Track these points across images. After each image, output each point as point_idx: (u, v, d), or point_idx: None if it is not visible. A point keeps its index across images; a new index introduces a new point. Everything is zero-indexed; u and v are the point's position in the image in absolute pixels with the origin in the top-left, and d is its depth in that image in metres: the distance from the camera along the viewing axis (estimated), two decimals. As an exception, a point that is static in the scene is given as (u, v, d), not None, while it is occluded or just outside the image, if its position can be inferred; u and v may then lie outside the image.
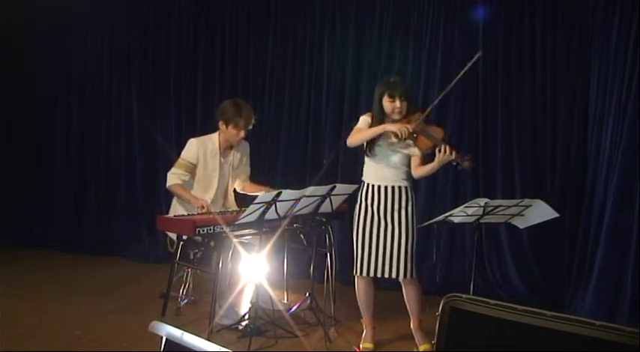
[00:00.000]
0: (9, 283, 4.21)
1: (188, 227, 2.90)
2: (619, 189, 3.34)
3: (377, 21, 4.52)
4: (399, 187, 3.03)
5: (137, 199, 5.30)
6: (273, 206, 2.84)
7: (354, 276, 3.10)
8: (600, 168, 3.61)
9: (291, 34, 4.81)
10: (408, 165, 3.06)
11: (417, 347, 3.07)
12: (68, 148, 5.58)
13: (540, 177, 4.13)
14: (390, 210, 3.00)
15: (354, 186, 3.14)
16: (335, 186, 3.06)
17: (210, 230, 2.89)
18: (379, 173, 3.04)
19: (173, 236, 3.34)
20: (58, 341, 3.11)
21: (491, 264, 4.25)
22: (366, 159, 3.08)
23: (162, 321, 1.32)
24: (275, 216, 2.93)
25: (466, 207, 2.88)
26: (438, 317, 1.50)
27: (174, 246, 3.25)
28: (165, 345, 1.28)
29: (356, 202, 3.10)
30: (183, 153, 3.48)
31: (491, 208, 2.90)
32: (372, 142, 2.99)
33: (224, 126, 3.40)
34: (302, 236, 3.64)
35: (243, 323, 3.26)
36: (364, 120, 3.05)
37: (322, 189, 3.04)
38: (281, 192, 2.82)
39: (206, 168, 3.47)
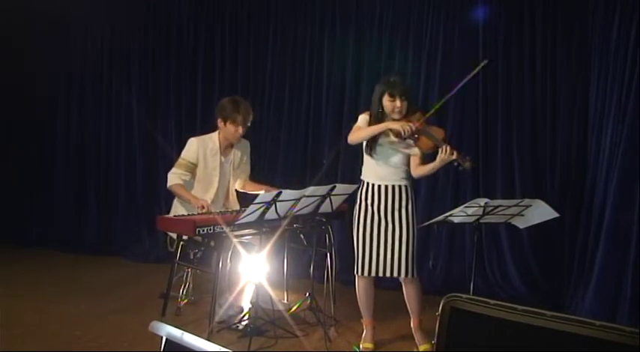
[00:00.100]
0: (9, 283, 4.21)
1: (188, 227, 2.90)
2: (619, 189, 3.34)
3: (377, 21, 4.52)
4: (399, 186, 3.03)
5: (137, 199, 5.30)
6: (273, 206, 2.84)
7: (354, 276, 3.10)
8: (600, 168, 3.61)
9: (291, 34, 4.81)
10: (408, 165, 3.06)
11: (417, 347, 3.07)
12: (68, 148, 5.58)
13: (540, 177, 4.13)
14: (390, 209, 3.00)
15: (354, 186, 3.14)
16: (335, 186, 3.05)
17: (210, 230, 2.89)
18: (379, 172, 3.04)
19: (173, 235, 3.34)
20: (58, 341, 3.11)
21: (491, 264, 4.25)
22: (366, 158, 3.08)
23: (162, 321, 1.32)
24: (275, 216, 2.93)
25: (466, 207, 2.88)
26: (438, 317, 1.50)
27: (175, 246, 3.25)
28: (165, 345, 1.28)
29: (355, 202, 3.10)
30: (184, 153, 3.48)
31: (491, 208, 2.90)
32: (373, 141, 2.99)
33: (222, 123, 3.41)
34: (302, 236, 3.64)
35: (243, 323, 3.26)
36: (363, 118, 3.04)
37: (322, 189, 3.03)
38: (281, 192, 2.82)
39: (206, 167, 3.47)
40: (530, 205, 2.95)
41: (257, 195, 2.81)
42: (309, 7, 4.74)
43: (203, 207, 3.21)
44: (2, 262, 4.88)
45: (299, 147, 4.77)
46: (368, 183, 3.06)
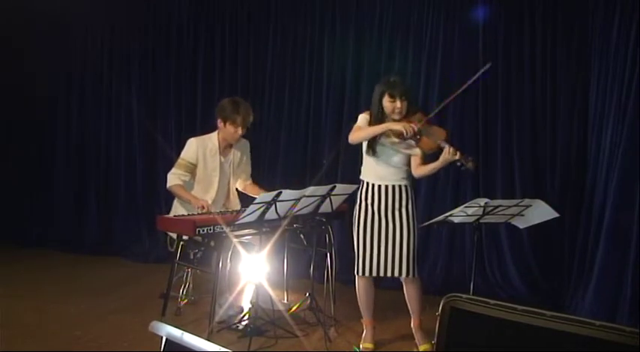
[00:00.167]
0: (9, 283, 4.21)
1: (188, 227, 2.90)
2: (619, 189, 3.34)
3: (377, 21, 4.52)
4: (399, 186, 3.02)
5: (137, 199, 5.30)
6: (273, 206, 2.84)
7: (354, 276, 3.10)
8: (600, 168, 3.61)
9: (291, 34, 4.81)
10: (408, 165, 3.06)
11: (417, 347, 3.07)
12: (68, 148, 5.58)
13: (540, 177, 4.13)
14: (391, 208, 3.00)
15: (354, 186, 3.14)
16: (335, 186, 3.05)
17: (210, 230, 2.89)
18: (379, 172, 3.03)
19: (173, 235, 3.34)
20: (58, 341, 3.11)
21: (491, 264, 4.25)
22: (366, 158, 3.07)
23: (162, 321, 1.32)
24: (275, 216, 2.92)
25: (466, 207, 2.88)
26: (438, 317, 1.50)
27: (175, 246, 3.25)
28: (165, 345, 1.28)
29: (356, 202, 3.10)
30: (183, 154, 3.48)
31: (492, 208, 2.90)
32: (373, 141, 2.98)
33: (222, 123, 3.41)
34: (302, 236, 3.64)
35: (243, 323, 3.26)
36: (364, 118, 3.03)
37: (322, 189, 3.03)
38: (281, 192, 2.82)
39: (206, 167, 3.47)
40: (530, 205, 2.95)
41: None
42: (309, 7, 4.74)
43: (203, 207, 3.21)
44: (2, 262, 4.87)
45: (299, 147, 4.77)
46: (368, 184, 3.06)
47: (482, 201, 2.84)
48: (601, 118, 3.65)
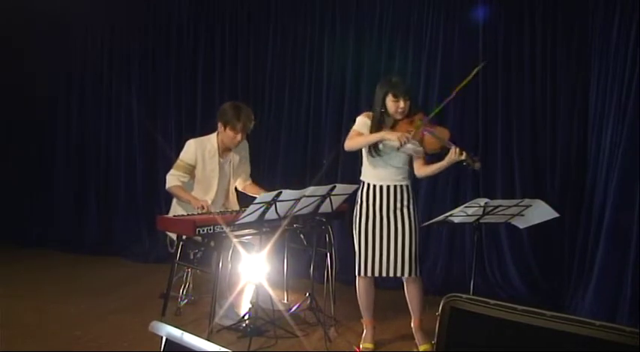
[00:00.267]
0: (9, 283, 4.21)
1: (188, 227, 2.90)
2: (619, 189, 3.34)
3: (377, 21, 4.52)
4: (400, 186, 3.02)
5: (137, 199, 5.30)
6: (273, 206, 2.84)
7: (354, 276, 3.10)
8: (600, 168, 3.61)
9: (291, 34, 4.81)
10: (409, 165, 3.06)
11: (417, 347, 3.06)
12: (68, 148, 5.58)
13: (540, 177, 4.13)
14: (392, 208, 3.00)
15: (354, 186, 3.13)
16: (335, 186, 3.05)
17: (210, 230, 2.89)
18: (380, 173, 3.03)
19: (173, 236, 3.34)
20: (58, 341, 3.11)
21: (491, 264, 4.25)
22: (366, 158, 3.07)
23: (162, 321, 1.32)
24: (275, 216, 2.92)
25: (466, 207, 2.88)
26: (438, 317, 1.50)
27: (174, 246, 3.25)
28: (165, 345, 1.28)
29: (356, 202, 3.09)
30: (182, 155, 3.48)
31: (491, 208, 2.90)
32: (374, 143, 2.98)
33: (222, 127, 3.40)
34: (302, 236, 3.64)
35: (243, 323, 3.26)
36: (362, 121, 3.02)
37: (322, 189, 3.03)
38: (281, 192, 2.82)
39: (205, 168, 3.47)
40: (530, 205, 2.95)
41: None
42: (309, 7, 4.74)
43: (203, 208, 3.21)
44: (2, 262, 4.88)
45: (299, 148, 4.77)
46: (369, 184, 3.05)
47: (482, 201, 2.84)
48: (601, 118, 3.65)
